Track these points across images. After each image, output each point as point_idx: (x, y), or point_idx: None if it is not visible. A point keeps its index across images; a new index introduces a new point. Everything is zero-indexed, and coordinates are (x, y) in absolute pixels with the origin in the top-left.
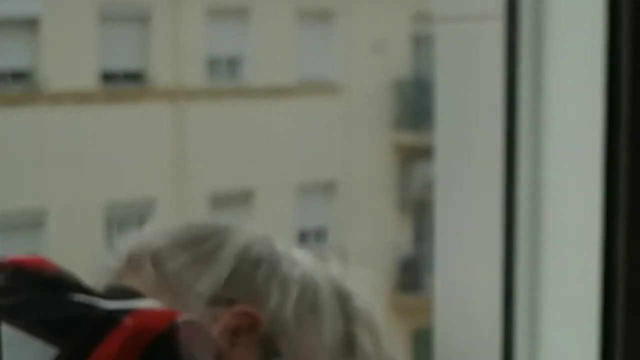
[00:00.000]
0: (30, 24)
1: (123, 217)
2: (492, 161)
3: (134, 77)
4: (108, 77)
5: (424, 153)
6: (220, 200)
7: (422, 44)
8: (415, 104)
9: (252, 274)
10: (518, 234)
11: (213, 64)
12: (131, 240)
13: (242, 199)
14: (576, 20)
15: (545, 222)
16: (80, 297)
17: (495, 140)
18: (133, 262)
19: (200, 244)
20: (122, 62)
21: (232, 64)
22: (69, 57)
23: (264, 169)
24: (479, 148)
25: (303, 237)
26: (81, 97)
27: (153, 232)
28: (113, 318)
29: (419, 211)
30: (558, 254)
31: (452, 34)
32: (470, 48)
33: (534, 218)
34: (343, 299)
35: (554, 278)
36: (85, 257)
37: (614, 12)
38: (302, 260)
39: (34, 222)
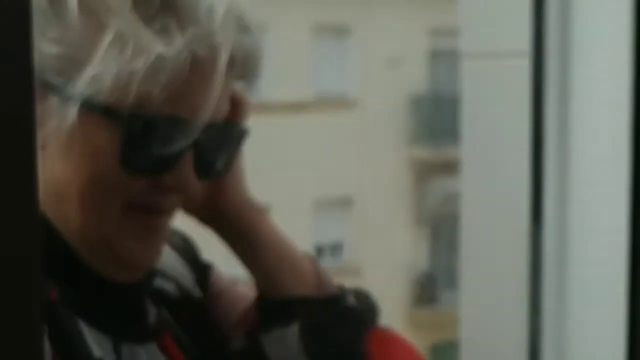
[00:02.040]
0: None
1: None
2: (519, 185)
3: None
4: None
5: (440, 168)
6: None
7: (438, 59)
8: (431, 119)
9: None
10: (545, 250)
11: None
12: None
13: None
14: (602, 57)
15: (571, 238)
16: None
17: (522, 171)
18: None
19: None
20: None
21: None
22: None
23: (280, 183)
24: (505, 176)
25: (319, 252)
26: None
27: None
28: None
29: (435, 226)
30: (584, 268)
31: (478, 70)
32: (497, 84)
33: (560, 234)
34: None
35: (580, 290)
36: None
37: None
38: None
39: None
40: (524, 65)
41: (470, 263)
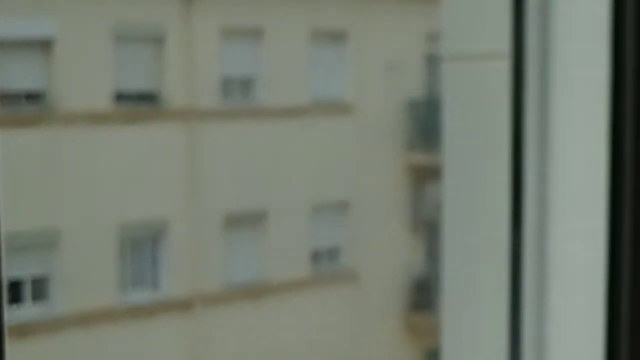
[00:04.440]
0: (43, 45)
1: (136, 237)
2: (499, 188)
3: (148, 98)
4: (121, 97)
5: (437, 173)
6: (234, 221)
7: (435, 63)
8: (428, 124)
9: None
10: (524, 255)
11: (226, 85)
12: None
13: (255, 219)
14: (581, 59)
15: (551, 242)
16: None
17: (502, 173)
18: None
19: None
20: (136, 83)
21: (246, 85)
22: (83, 77)
23: (277, 189)
24: (486, 179)
25: (316, 257)
26: (95, 118)
27: None
28: None
29: (431, 231)
30: (564, 272)
31: (459, 72)
32: (478, 86)
33: (540, 240)
34: None
35: (560, 294)
36: (98, 278)
37: (618, 51)
38: None
39: (47, 242)
40: (504, 67)
41: (451, 269)
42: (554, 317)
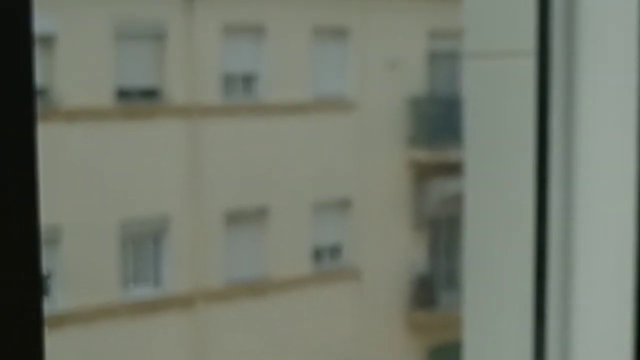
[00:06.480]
0: (45, 42)
1: (138, 234)
2: (523, 186)
3: (149, 94)
4: (123, 94)
5: (439, 170)
6: (235, 218)
7: (437, 60)
8: (430, 121)
9: None
10: (549, 253)
11: (228, 81)
12: None
13: (257, 216)
14: (607, 57)
15: (576, 239)
16: None
17: (527, 171)
18: None
19: None
20: (138, 79)
21: (248, 81)
22: (84, 74)
23: (279, 185)
24: (510, 177)
25: (318, 255)
26: (96, 114)
27: None
28: None
29: (434, 228)
30: (589, 270)
31: (482, 69)
32: (501, 84)
33: (565, 235)
34: None
35: (585, 292)
36: (100, 274)
37: None
38: None
39: (48, 238)
40: (529, 65)
41: (473, 265)
42: (580, 315)
